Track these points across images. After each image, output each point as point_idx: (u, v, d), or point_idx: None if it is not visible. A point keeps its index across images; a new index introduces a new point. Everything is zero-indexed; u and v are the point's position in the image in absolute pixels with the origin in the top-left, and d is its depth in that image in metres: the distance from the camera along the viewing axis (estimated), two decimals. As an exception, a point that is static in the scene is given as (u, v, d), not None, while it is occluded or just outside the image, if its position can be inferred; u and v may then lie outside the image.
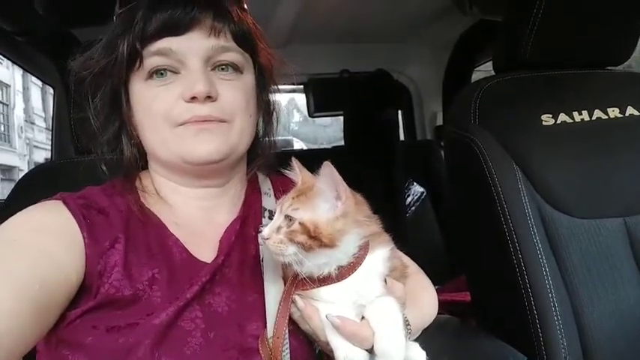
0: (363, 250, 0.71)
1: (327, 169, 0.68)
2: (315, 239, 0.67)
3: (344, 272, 0.70)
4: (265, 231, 0.70)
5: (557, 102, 1.16)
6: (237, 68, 0.81)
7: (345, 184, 0.69)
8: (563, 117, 1.14)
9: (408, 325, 0.70)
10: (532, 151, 1.10)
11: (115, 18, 0.82)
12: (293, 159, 0.76)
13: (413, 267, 0.91)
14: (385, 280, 0.71)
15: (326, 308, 0.69)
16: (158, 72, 0.76)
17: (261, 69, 0.88)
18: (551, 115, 1.13)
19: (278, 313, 0.73)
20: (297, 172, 0.76)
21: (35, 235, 0.68)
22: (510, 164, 1.09)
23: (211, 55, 0.77)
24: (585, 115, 1.15)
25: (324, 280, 0.70)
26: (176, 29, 0.75)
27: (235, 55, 0.80)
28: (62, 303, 0.66)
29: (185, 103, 0.75)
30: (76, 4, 1.48)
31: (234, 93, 0.79)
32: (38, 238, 0.67)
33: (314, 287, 0.71)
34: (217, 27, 0.77)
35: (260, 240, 0.73)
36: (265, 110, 0.91)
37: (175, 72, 0.77)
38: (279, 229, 0.69)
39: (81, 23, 1.52)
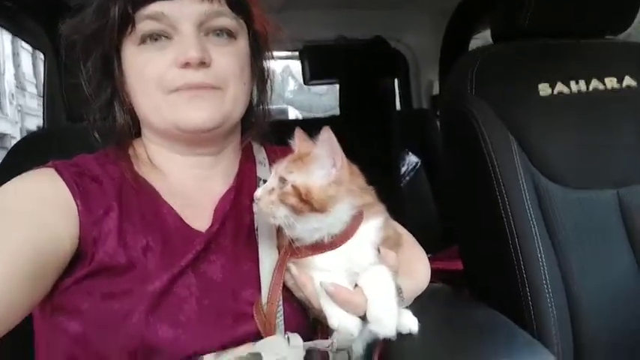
0: (357, 219, 0.71)
1: (326, 134, 0.67)
2: (306, 203, 0.67)
3: (337, 240, 0.70)
4: (258, 192, 0.71)
5: (554, 71, 1.15)
6: (230, 34, 0.79)
7: (342, 152, 0.69)
8: (560, 87, 1.13)
9: (401, 292, 0.71)
10: (528, 122, 1.10)
11: None
12: (297, 129, 0.76)
13: (407, 236, 0.92)
14: (378, 249, 0.71)
15: (320, 276, 0.70)
16: (151, 37, 0.75)
17: (256, 35, 0.86)
18: (548, 85, 1.13)
19: (272, 280, 0.74)
20: (296, 142, 0.76)
21: (29, 204, 0.67)
22: (506, 135, 1.09)
23: (204, 20, 0.76)
24: (582, 85, 1.14)
25: (318, 248, 0.71)
26: None
27: (229, 21, 0.78)
28: (56, 270, 0.66)
29: (178, 69, 0.74)
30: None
31: (228, 59, 0.78)
32: (32, 207, 0.67)
33: (308, 255, 0.72)
34: None
35: (256, 195, 0.73)
36: (259, 78, 0.90)
37: (168, 37, 0.75)
38: (272, 190, 0.70)
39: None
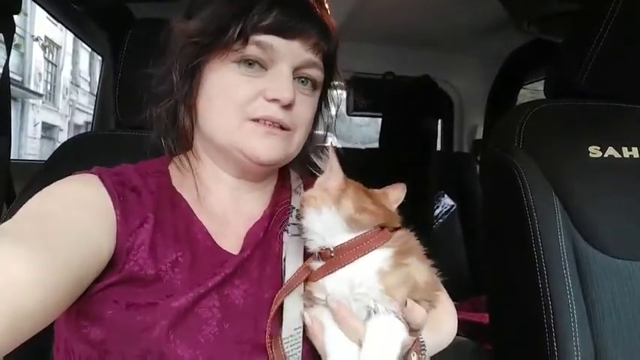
0: (365, 240, 0.71)
1: (330, 150, 0.76)
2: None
3: (343, 257, 0.70)
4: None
5: (607, 134, 1.12)
6: (315, 84, 0.83)
7: (334, 165, 0.75)
8: (611, 151, 1.10)
9: (424, 348, 0.70)
10: (574, 183, 1.07)
11: None
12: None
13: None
14: (405, 302, 0.69)
15: (332, 328, 0.70)
16: (247, 61, 0.77)
17: (329, 88, 0.91)
18: (599, 148, 1.10)
19: (283, 286, 0.75)
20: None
21: (74, 211, 0.68)
22: (550, 192, 1.06)
23: (301, 65, 0.79)
24: (635, 152, 1.11)
25: (328, 267, 0.71)
26: (285, 32, 0.76)
27: (318, 73, 0.82)
28: (92, 278, 0.67)
29: (264, 100, 0.76)
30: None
31: (306, 108, 0.82)
32: (78, 214, 0.68)
33: (320, 276, 0.72)
34: (319, 44, 0.79)
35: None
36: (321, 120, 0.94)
37: (263, 67, 0.78)
38: None
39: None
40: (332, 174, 0.75)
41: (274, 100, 0.76)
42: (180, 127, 0.83)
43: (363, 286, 0.68)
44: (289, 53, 0.77)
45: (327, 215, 0.72)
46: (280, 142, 0.79)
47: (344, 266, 0.70)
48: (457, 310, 0.93)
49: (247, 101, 0.76)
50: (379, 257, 0.70)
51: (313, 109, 0.85)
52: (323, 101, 0.92)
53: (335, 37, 0.83)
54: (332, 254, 0.71)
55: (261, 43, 0.75)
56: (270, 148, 0.78)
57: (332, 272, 0.71)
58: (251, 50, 0.76)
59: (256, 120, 0.77)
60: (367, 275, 0.69)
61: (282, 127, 0.79)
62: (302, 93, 0.81)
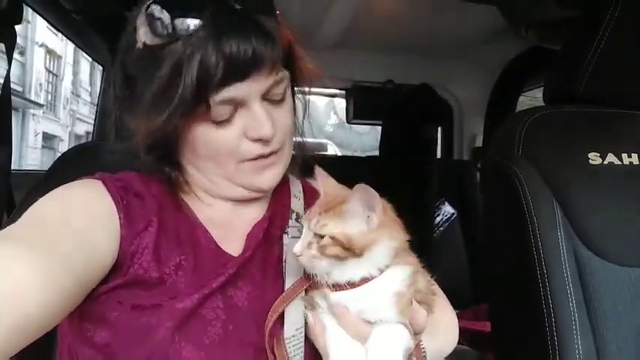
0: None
1: (359, 192, 0.66)
2: (348, 250, 0.67)
3: (358, 281, 0.69)
4: (297, 248, 0.71)
5: (606, 141, 1.12)
6: (284, 93, 0.79)
7: (379, 197, 0.67)
8: (611, 157, 1.09)
9: (425, 355, 0.71)
10: (574, 190, 1.06)
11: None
12: (316, 168, 0.77)
13: (439, 296, 0.89)
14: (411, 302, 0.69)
15: (333, 329, 0.70)
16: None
17: (295, 74, 0.85)
18: (598, 154, 1.09)
19: (286, 292, 0.75)
20: (318, 182, 0.77)
21: (78, 216, 0.68)
22: (550, 199, 1.06)
23: (267, 91, 0.75)
24: (635, 159, 1.10)
25: (339, 286, 0.70)
26: (241, 75, 0.71)
27: (284, 83, 0.78)
28: (95, 282, 0.67)
29: (249, 142, 0.76)
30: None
31: (285, 118, 0.80)
32: (81, 220, 0.68)
33: (327, 290, 0.71)
34: (276, 64, 0.74)
35: (296, 251, 0.74)
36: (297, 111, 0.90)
37: (235, 110, 0.74)
38: (309, 244, 0.69)
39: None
40: (382, 208, 0.68)
41: (258, 140, 0.75)
42: (168, 174, 0.82)
43: (378, 306, 0.68)
44: (253, 89, 0.73)
45: (377, 254, 0.69)
46: (277, 165, 0.81)
47: (355, 287, 0.69)
48: (459, 318, 0.93)
49: (235, 146, 0.76)
50: (394, 280, 0.69)
51: (290, 111, 0.83)
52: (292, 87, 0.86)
53: (279, 30, 0.75)
54: (347, 286, 0.70)
55: (224, 99, 0.71)
56: (271, 178, 0.81)
57: (340, 290, 0.70)
58: (218, 110, 0.72)
59: (249, 160, 0.77)
60: (382, 298, 0.68)
61: (276, 153, 0.79)
62: (276, 108, 0.78)
